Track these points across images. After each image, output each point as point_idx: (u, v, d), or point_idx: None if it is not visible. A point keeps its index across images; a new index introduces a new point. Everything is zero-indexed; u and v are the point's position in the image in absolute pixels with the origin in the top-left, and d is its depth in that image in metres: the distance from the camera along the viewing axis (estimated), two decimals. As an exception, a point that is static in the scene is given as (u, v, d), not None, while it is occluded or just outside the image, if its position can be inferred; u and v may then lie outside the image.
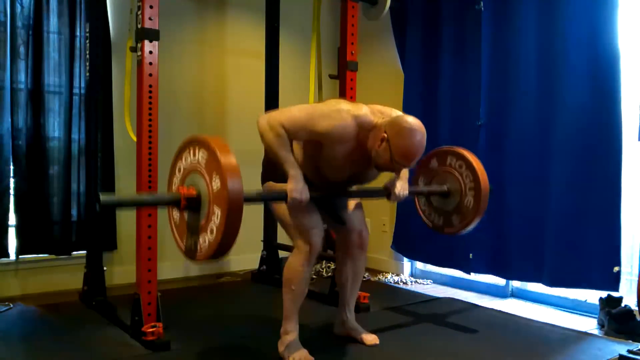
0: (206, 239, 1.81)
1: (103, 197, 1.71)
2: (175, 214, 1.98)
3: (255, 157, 2.48)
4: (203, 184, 1.81)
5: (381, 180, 2.37)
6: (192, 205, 1.84)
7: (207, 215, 1.79)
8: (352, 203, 2.43)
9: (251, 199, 1.99)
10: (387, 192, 2.34)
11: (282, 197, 2.08)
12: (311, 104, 2.18)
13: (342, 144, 2.08)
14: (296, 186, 2.05)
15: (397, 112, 2.18)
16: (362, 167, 2.19)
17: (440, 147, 2.75)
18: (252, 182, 2.44)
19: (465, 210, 2.58)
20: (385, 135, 2.03)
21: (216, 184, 1.76)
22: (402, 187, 2.34)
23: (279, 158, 2.08)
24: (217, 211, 1.75)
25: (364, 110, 2.10)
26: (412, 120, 2.05)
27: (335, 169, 2.17)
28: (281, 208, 2.25)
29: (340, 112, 2.06)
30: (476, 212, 2.56)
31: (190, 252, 1.90)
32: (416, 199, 2.79)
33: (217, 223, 1.75)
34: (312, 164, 2.17)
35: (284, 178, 2.12)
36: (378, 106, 2.18)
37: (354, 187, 2.37)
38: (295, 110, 2.10)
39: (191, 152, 1.89)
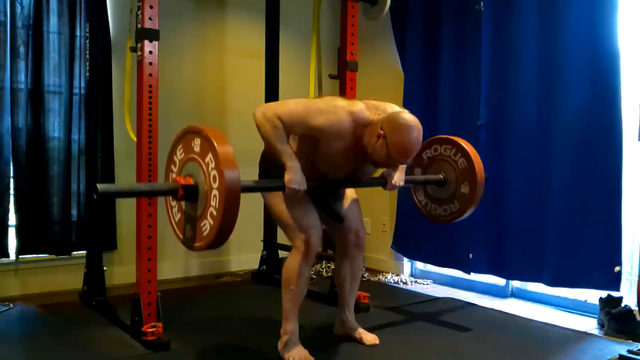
0: (204, 228, 1.81)
1: (101, 187, 1.71)
2: (173, 204, 1.98)
3: (256, 157, 2.48)
4: (200, 173, 1.81)
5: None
6: (190, 194, 1.84)
7: (205, 204, 1.79)
8: (348, 203, 2.42)
9: (248, 189, 1.99)
10: (383, 181, 2.36)
11: (280, 187, 2.08)
12: (308, 98, 2.18)
13: (338, 140, 2.07)
14: (294, 177, 2.06)
15: (392, 107, 2.17)
16: (359, 163, 2.18)
17: (436, 135, 2.76)
18: (252, 182, 2.45)
19: (461, 198, 2.59)
20: (382, 131, 2.03)
21: (213, 172, 1.76)
22: (398, 177, 2.36)
23: (276, 150, 2.08)
24: (215, 200, 1.76)
25: (360, 106, 2.10)
26: (408, 117, 2.06)
27: (332, 166, 2.17)
28: (279, 208, 2.25)
29: (336, 108, 2.06)
30: (472, 200, 2.57)
31: (189, 242, 1.91)
32: (412, 189, 2.80)
33: (214, 212, 1.76)
34: (308, 160, 2.16)
35: (280, 177, 2.13)
36: (373, 101, 2.18)
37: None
38: (292, 103, 2.10)
39: (188, 141, 1.90)
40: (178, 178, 1.87)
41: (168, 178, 1.99)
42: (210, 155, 1.78)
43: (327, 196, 2.34)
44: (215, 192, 1.76)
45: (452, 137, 2.69)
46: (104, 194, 1.72)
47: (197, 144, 1.85)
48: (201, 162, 1.81)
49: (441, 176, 2.66)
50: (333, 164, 2.16)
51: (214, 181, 1.76)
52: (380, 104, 2.17)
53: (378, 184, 2.38)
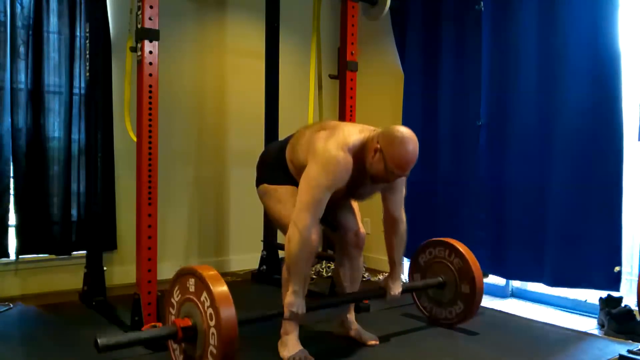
0: None
1: (101, 341, 1.72)
2: (175, 346, 2.01)
3: (255, 158, 2.48)
4: (197, 314, 1.85)
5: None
6: (189, 335, 1.87)
7: (204, 343, 1.82)
8: (347, 203, 2.42)
9: (246, 322, 2.02)
10: (382, 292, 2.42)
11: (279, 314, 2.11)
12: (305, 177, 2.19)
13: (348, 175, 2.10)
14: (295, 301, 2.09)
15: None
16: (358, 180, 2.17)
17: (430, 239, 2.78)
18: (251, 182, 2.45)
19: (463, 298, 2.62)
20: (378, 145, 2.04)
21: (210, 311, 1.80)
22: (396, 286, 2.40)
23: (294, 268, 2.08)
24: (214, 338, 1.79)
25: (349, 133, 2.11)
26: (403, 130, 2.07)
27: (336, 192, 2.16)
28: (276, 209, 2.26)
29: (334, 157, 2.05)
30: (474, 300, 2.59)
31: None
32: (415, 295, 2.82)
33: (214, 350, 1.78)
34: None
35: (277, 180, 2.13)
36: (358, 125, 2.22)
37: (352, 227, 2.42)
38: (303, 193, 2.07)
39: (184, 282, 1.93)
40: (176, 320, 1.90)
41: (167, 321, 2.03)
42: (205, 295, 1.82)
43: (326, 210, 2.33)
44: (213, 330, 1.79)
45: (444, 239, 2.72)
46: (105, 347, 1.73)
47: (191, 284, 1.89)
48: (197, 301, 1.85)
49: (440, 279, 2.68)
50: (338, 191, 2.15)
51: (211, 319, 1.79)
52: (365, 126, 2.20)
53: (377, 295, 2.45)
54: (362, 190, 2.26)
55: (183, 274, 1.95)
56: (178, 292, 1.97)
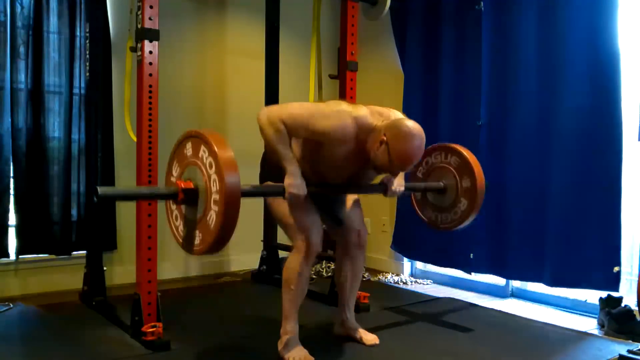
0: (203, 232, 1.81)
1: (101, 189, 1.71)
2: (173, 207, 1.98)
3: (256, 158, 2.48)
4: (200, 178, 1.82)
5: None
6: (190, 198, 1.84)
7: (205, 208, 1.80)
8: (350, 203, 2.43)
9: (249, 194, 2.00)
10: (383, 187, 2.35)
11: (280, 192, 2.08)
12: (312, 102, 2.20)
13: (342, 145, 2.08)
14: (294, 181, 2.06)
15: (395, 113, 2.18)
16: (360, 167, 2.19)
17: (437, 143, 2.76)
18: (252, 182, 2.44)
19: (461, 206, 2.59)
20: (385, 137, 2.04)
21: (214, 177, 1.77)
22: (398, 183, 2.36)
23: (277, 153, 2.08)
24: (215, 204, 1.76)
25: (364, 112, 2.11)
26: (411, 125, 2.06)
27: (334, 169, 2.18)
28: (280, 208, 2.25)
29: (340, 113, 2.06)
30: (472, 209, 2.57)
31: (188, 246, 1.91)
32: (412, 196, 2.80)
33: (214, 216, 1.76)
34: (310, 163, 2.17)
35: (282, 177, 2.12)
36: (377, 107, 2.19)
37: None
38: (297, 107, 2.10)
39: (189, 146, 1.90)
40: (178, 182, 1.87)
41: (168, 182, 1.99)
42: (210, 159, 1.79)
43: (328, 199, 2.34)
44: (215, 196, 1.76)
45: (451, 145, 2.68)
46: (104, 196, 1.73)
47: (197, 148, 1.86)
48: (201, 166, 1.82)
49: (441, 184, 2.66)
50: (335, 168, 2.17)
51: (214, 185, 1.77)
52: (384, 110, 2.18)
53: (378, 190, 2.39)
54: (362, 176, 2.27)
55: (189, 136, 1.90)
56: (182, 154, 1.93)
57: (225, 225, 1.74)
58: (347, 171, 2.20)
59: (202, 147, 1.83)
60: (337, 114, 2.06)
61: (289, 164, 2.08)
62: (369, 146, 2.09)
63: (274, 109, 2.13)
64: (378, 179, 2.39)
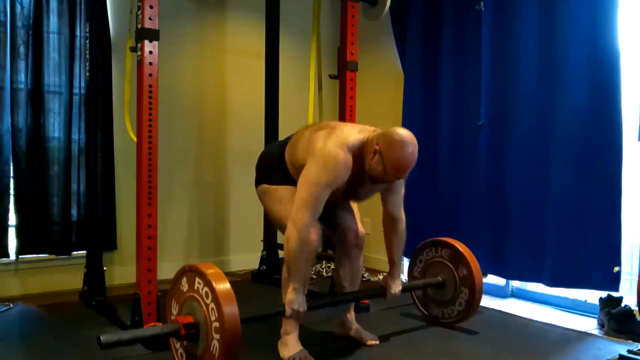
0: None
1: (104, 338, 1.73)
2: (178, 346, 2.00)
3: (255, 158, 2.48)
4: (200, 311, 1.85)
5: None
6: (191, 333, 1.87)
7: (207, 342, 1.82)
8: (345, 205, 2.42)
9: (250, 319, 2.02)
10: (382, 291, 2.43)
11: (281, 312, 2.12)
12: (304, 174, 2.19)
13: (349, 175, 2.10)
14: (296, 298, 2.09)
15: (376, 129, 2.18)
16: (357, 180, 2.17)
17: (431, 238, 2.79)
18: (251, 182, 2.45)
19: (463, 296, 2.62)
20: (377, 147, 2.04)
21: (213, 310, 1.80)
22: (396, 285, 2.42)
23: (294, 267, 2.08)
24: (216, 338, 1.78)
25: (348, 132, 2.12)
26: (403, 132, 2.07)
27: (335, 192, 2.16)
28: (276, 209, 2.26)
29: (334, 156, 2.05)
30: (472, 305, 2.59)
31: None
32: (413, 294, 2.83)
33: (217, 348, 1.78)
34: None
35: (277, 180, 2.13)
36: (358, 125, 2.22)
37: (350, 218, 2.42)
38: (303, 190, 2.07)
39: (186, 280, 1.93)
40: (179, 317, 1.89)
41: (169, 316, 2.02)
42: (207, 292, 1.82)
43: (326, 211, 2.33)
44: (215, 327, 1.79)
45: (443, 239, 2.72)
46: (108, 344, 1.73)
47: (194, 282, 1.89)
48: (200, 299, 1.85)
49: (439, 278, 2.69)
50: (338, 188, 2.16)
51: (214, 316, 1.79)
52: (365, 126, 2.20)
53: (378, 294, 2.46)
54: (361, 191, 2.26)
55: (185, 272, 1.95)
56: (180, 290, 1.97)
57: (228, 353, 1.76)
58: (346, 186, 2.18)
59: (199, 281, 1.86)
60: (331, 159, 2.05)
61: (297, 282, 2.09)
62: (363, 157, 2.10)
63: (292, 217, 2.07)
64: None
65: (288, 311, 2.10)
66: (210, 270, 1.85)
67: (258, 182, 2.37)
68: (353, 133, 2.13)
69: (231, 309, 1.77)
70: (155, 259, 2.43)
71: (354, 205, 2.47)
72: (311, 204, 2.06)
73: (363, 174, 2.13)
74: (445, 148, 3.61)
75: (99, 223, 3.06)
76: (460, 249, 2.64)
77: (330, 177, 2.06)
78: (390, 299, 2.44)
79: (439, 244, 2.73)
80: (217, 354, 1.78)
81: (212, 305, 1.80)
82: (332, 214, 2.36)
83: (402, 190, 2.34)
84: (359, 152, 2.10)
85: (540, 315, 3.02)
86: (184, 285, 1.94)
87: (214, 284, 1.79)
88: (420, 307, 2.82)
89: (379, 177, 2.09)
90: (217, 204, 3.90)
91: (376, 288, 2.47)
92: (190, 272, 1.92)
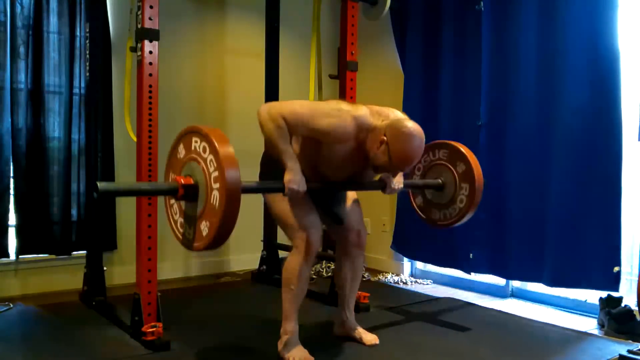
0: (203, 228, 1.81)
1: (101, 185, 1.71)
2: (173, 203, 1.98)
3: (256, 158, 2.48)
4: (200, 173, 1.81)
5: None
6: (190, 194, 1.84)
7: (205, 204, 1.79)
8: (349, 202, 2.43)
9: (249, 189, 2.00)
10: (382, 184, 2.36)
11: (280, 188, 2.08)
12: (312, 101, 2.21)
13: (341, 144, 2.09)
14: (294, 177, 2.06)
15: (395, 113, 2.18)
16: (360, 167, 2.20)
17: (436, 140, 2.76)
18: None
19: (459, 203, 2.60)
20: (385, 138, 2.04)
21: (214, 172, 1.76)
22: (397, 181, 2.38)
23: (277, 149, 2.08)
24: (215, 200, 1.75)
25: (363, 111, 2.11)
26: (411, 125, 2.07)
27: (334, 169, 2.18)
28: (279, 208, 2.25)
29: (340, 112, 2.07)
30: (470, 206, 2.58)
31: (188, 242, 1.91)
32: (411, 194, 2.80)
33: (214, 212, 1.75)
34: (310, 162, 2.17)
35: (281, 176, 2.12)
36: (377, 107, 2.19)
37: None
38: (297, 104, 2.11)
39: (188, 141, 1.90)
40: (178, 178, 1.87)
41: (168, 178, 1.99)
42: (211, 155, 1.78)
43: (327, 197, 2.34)
44: (215, 192, 1.76)
45: (450, 142, 2.69)
46: (104, 192, 1.72)
47: (197, 143, 1.85)
48: (202, 162, 1.81)
49: (440, 181, 2.67)
50: (334, 166, 2.17)
51: (215, 181, 1.76)
52: (383, 110, 2.18)
53: (377, 187, 2.39)
54: (361, 176, 2.27)
55: (189, 132, 1.90)
56: (182, 150, 1.93)
57: (225, 221, 1.74)
58: (346, 171, 2.21)
59: (203, 143, 1.83)
60: (337, 112, 2.06)
61: (289, 160, 2.08)
62: (369, 146, 2.10)
63: (274, 105, 2.13)
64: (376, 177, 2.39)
65: (286, 190, 2.06)
66: (215, 133, 1.80)
67: (262, 178, 2.37)
68: (366, 113, 2.11)
69: (233, 176, 1.72)
70: (155, 259, 2.43)
71: (358, 204, 2.47)
72: (292, 113, 2.04)
73: (363, 158, 2.13)
74: (445, 148, 3.61)
75: (99, 223, 3.06)
76: (457, 146, 2.62)
77: (323, 121, 2.04)
78: (389, 192, 2.37)
79: (436, 146, 2.70)
80: (212, 220, 1.75)
81: (214, 172, 1.76)
82: (338, 205, 2.37)
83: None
84: (363, 133, 2.09)
85: (540, 315, 3.02)
86: (188, 145, 1.89)
87: (218, 149, 1.75)
88: (420, 213, 2.79)
89: (382, 167, 2.11)
90: (217, 204, 3.89)
91: (376, 182, 2.39)
92: (196, 133, 1.86)
